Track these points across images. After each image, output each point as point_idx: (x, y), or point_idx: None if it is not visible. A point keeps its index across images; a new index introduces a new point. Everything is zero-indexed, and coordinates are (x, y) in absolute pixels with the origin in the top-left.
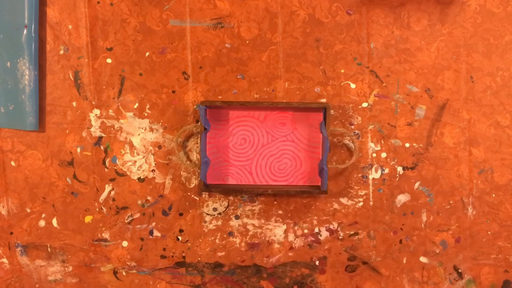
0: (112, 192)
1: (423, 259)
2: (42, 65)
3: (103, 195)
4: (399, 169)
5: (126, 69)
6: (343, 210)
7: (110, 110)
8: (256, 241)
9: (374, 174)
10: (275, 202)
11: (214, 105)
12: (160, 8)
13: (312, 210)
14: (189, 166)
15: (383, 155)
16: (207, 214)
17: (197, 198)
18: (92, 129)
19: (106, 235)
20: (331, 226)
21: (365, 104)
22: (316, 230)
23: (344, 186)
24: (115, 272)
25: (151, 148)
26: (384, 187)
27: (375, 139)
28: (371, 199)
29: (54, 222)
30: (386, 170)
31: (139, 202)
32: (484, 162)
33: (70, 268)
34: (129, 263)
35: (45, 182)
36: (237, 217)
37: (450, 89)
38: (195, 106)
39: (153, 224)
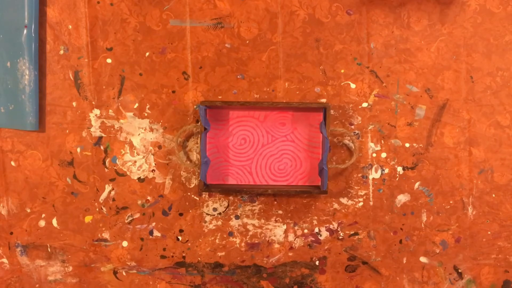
0: (112, 192)
1: (423, 259)
2: (42, 65)
3: (103, 195)
4: (399, 169)
5: (126, 69)
6: (343, 210)
7: (110, 110)
8: (256, 241)
9: (374, 174)
10: (275, 202)
11: (214, 105)
12: (160, 8)
13: (312, 210)
14: (189, 166)
15: (383, 155)
16: (207, 214)
17: (197, 198)
18: (92, 129)
19: (106, 235)
20: (331, 226)
21: (365, 104)
22: (316, 230)
23: (344, 186)
24: (115, 272)
25: (151, 148)
26: (384, 187)
27: (375, 139)
28: (371, 199)
29: (54, 222)
30: (386, 170)
31: (139, 202)
32: (484, 162)
33: (70, 268)
34: (129, 263)
35: (45, 182)
36: (237, 217)
37: (450, 89)
38: (195, 106)
39: (153, 224)
